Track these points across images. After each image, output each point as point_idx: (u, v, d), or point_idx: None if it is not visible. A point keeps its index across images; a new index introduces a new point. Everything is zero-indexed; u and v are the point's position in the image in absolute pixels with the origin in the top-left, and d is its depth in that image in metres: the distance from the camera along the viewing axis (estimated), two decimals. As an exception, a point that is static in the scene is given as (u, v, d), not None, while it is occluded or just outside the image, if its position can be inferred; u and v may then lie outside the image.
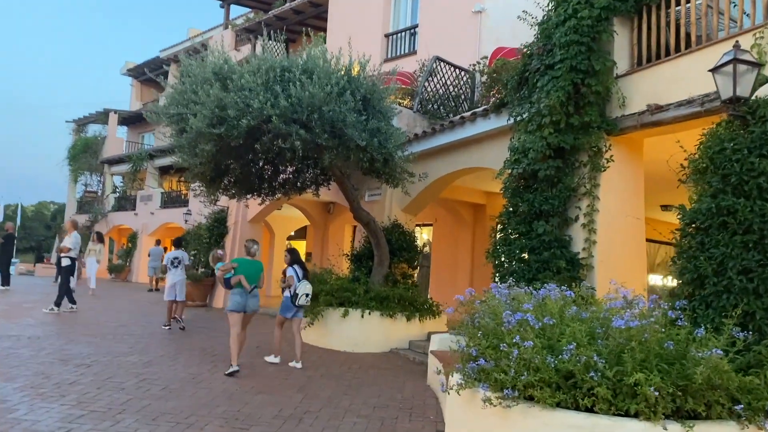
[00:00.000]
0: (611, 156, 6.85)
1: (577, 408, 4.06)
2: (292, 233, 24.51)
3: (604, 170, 6.83)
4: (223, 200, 15.59)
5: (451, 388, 4.76)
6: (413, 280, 10.94)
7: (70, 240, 12.49)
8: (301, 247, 26.73)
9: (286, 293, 8.65)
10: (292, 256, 9.04)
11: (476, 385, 4.52)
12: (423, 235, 16.05)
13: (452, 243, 13.71)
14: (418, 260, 11.13)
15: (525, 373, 4.08)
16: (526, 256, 6.89)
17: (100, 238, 18.25)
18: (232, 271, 8.17)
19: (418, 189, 10.88)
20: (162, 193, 30.19)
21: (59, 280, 12.84)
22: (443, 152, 10.11)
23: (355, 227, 17.07)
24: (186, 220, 25.42)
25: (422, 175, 9.37)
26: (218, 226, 15.72)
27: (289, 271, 8.74)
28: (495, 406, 4.25)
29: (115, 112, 34.29)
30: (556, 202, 6.84)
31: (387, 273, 10.58)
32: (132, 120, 35.49)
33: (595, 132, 6.84)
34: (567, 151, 6.92)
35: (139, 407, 6.11)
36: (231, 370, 7.71)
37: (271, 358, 8.68)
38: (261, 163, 10.77)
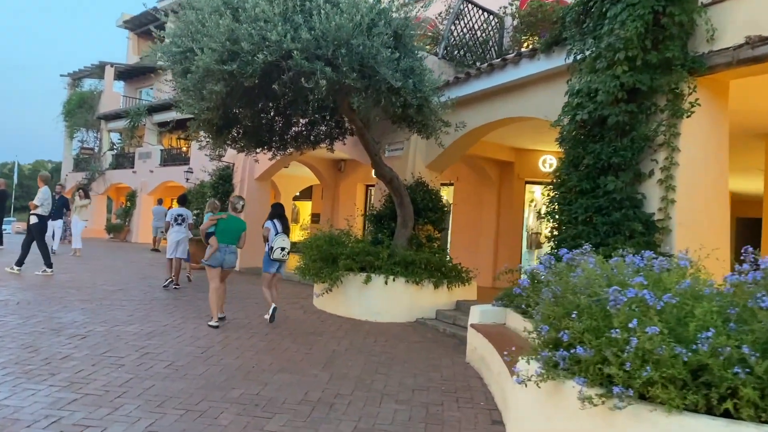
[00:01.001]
0: (696, 100, 5.79)
1: (709, 412, 3.12)
2: (297, 194, 23.51)
3: (688, 116, 5.77)
4: (229, 156, 14.56)
5: (528, 379, 3.82)
6: (439, 243, 9.96)
7: (39, 196, 11.39)
8: (306, 207, 25.81)
9: (266, 249, 8.63)
10: (273, 209, 8.98)
11: (564, 378, 3.58)
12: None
13: (476, 204, 12.70)
14: (445, 222, 10.13)
15: (647, 367, 3.11)
16: (592, 218, 5.88)
17: (86, 194, 16.82)
18: (215, 227, 8.21)
19: (445, 143, 9.82)
20: (161, 150, 29.09)
21: (24, 239, 11.71)
22: (478, 101, 8.99)
23: (368, 186, 16.08)
24: (187, 179, 24.41)
25: (459, 125, 8.27)
26: (223, 184, 14.67)
27: (267, 224, 8.67)
28: (596, 405, 3.31)
29: (112, 66, 32.88)
30: (628, 154, 5.80)
31: (411, 235, 9.61)
32: (129, 74, 34.14)
33: (677, 71, 5.76)
34: (642, 94, 5.86)
35: (140, 390, 5.20)
36: (212, 323, 7.82)
37: (266, 316, 8.52)
38: (272, 114, 9.69)
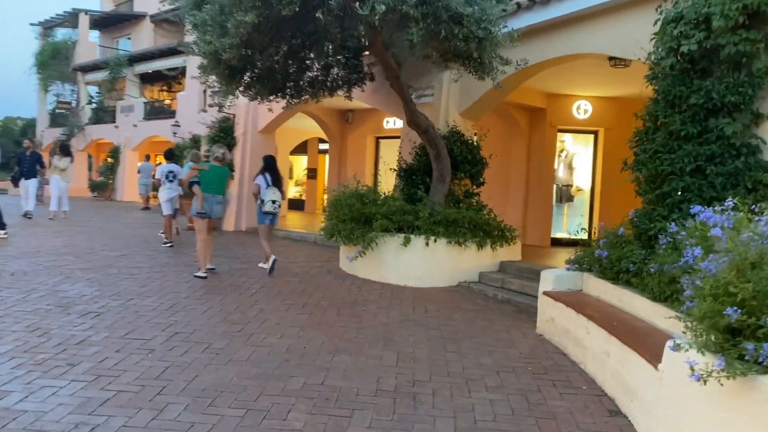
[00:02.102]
0: (832, 26, 4.86)
1: None
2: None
3: (823, 46, 4.86)
4: (231, 108, 13.37)
5: (709, 375, 2.99)
6: (478, 199, 9.06)
7: None
8: (299, 162, 24.68)
9: (257, 203, 8.73)
10: (265, 162, 8.98)
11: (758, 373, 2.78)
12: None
13: (504, 155, 11.75)
14: (483, 176, 9.20)
15: None
16: (702, 167, 4.99)
17: (66, 151, 14.75)
18: (198, 177, 8.12)
19: (482, 87, 8.82)
20: (145, 103, 27.55)
21: None
22: (535, 34, 7.81)
23: (378, 139, 15.05)
24: (174, 133, 23.09)
25: (520, 62, 7.20)
26: (224, 137, 13.52)
27: (257, 179, 8.73)
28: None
29: (86, 13, 30.88)
30: (749, 92, 4.89)
31: (448, 191, 8.69)
32: (105, 23, 32.14)
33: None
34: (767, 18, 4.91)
35: (182, 383, 4.32)
36: (200, 274, 7.89)
37: (262, 265, 8.69)
38: (287, 55, 8.53)
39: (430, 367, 4.94)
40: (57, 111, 32.79)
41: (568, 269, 6.12)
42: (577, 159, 12.09)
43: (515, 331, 6.15)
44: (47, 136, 31.86)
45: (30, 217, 13.49)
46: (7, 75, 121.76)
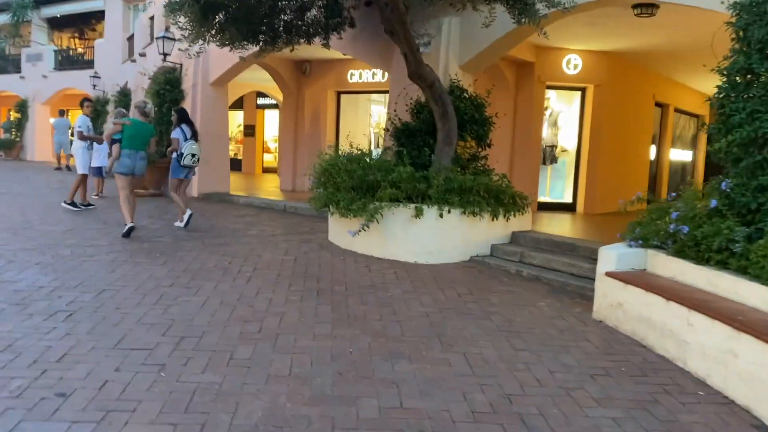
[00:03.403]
0: None
1: None
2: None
3: None
4: (175, 56, 11.76)
5: None
6: (485, 163, 8.19)
7: None
8: (234, 118, 22.94)
9: (174, 155, 8.64)
10: (179, 115, 8.93)
11: None
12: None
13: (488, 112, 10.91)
14: (489, 136, 8.30)
15: None
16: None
17: None
18: (121, 132, 7.96)
19: (490, 35, 7.88)
20: (55, 51, 24.74)
21: None
22: None
23: (339, 93, 13.83)
24: (94, 85, 20.82)
25: (568, 4, 6.13)
26: (171, 90, 11.87)
27: (174, 133, 8.71)
28: None
29: (-21, -54, 27.13)
30: None
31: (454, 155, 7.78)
32: (2, -42, 28.35)
33: None
34: None
35: (224, 416, 3.26)
36: (126, 227, 7.71)
37: (178, 223, 8.70)
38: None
39: (511, 373, 4.08)
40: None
41: (630, 245, 5.39)
42: (562, 117, 11.44)
43: (570, 317, 5.39)
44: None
45: None
46: None
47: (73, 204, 9.62)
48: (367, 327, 4.82)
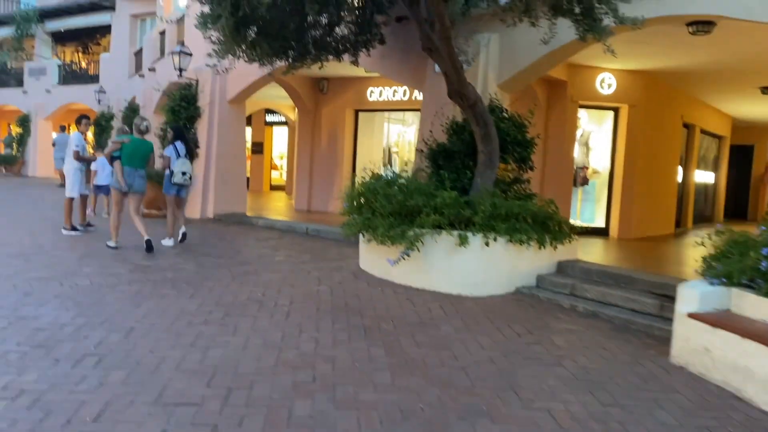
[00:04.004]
0: None
1: None
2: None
3: None
4: (191, 72, 11.35)
5: None
6: (528, 187, 7.75)
7: None
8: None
9: (167, 172, 8.65)
10: (175, 132, 9.06)
11: None
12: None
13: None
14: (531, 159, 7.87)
15: None
16: None
17: None
18: (120, 150, 8.07)
19: (533, 53, 7.49)
20: (59, 65, 24.33)
21: None
22: None
23: (358, 112, 13.42)
24: (99, 100, 20.39)
25: (637, 21, 5.65)
26: (186, 107, 11.42)
27: (167, 151, 8.73)
28: None
29: (-17, -41, 26.90)
30: None
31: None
32: (5, -29, 28.04)
33: None
34: None
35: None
36: (111, 245, 7.93)
37: (166, 241, 8.65)
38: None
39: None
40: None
41: (712, 283, 4.92)
42: (593, 138, 11.04)
43: (647, 362, 4.90)
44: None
45: None
46: None
47: (73, 228, 9.12)
48: (430, 375, 4.33)
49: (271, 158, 21.98)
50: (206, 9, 6.23)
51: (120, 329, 4.86)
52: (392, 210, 6.69)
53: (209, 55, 6.95)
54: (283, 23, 6.95)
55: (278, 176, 22.27)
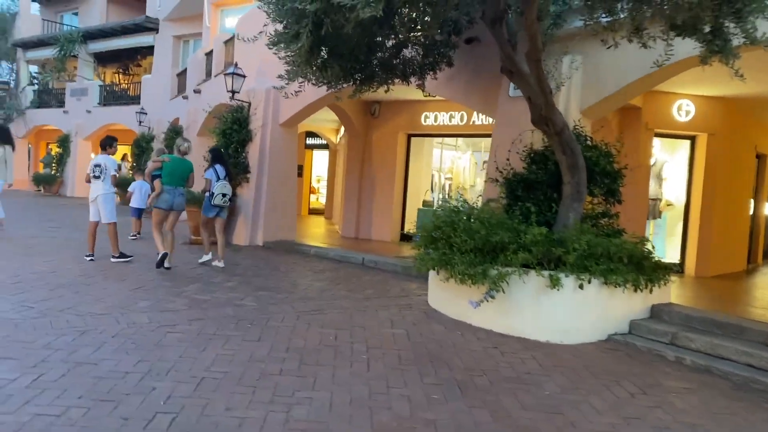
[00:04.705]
0: None
1: None
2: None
3: None
4: (242, 95, 10.99)
5: None
6: (617, 222, 7.12)
7: None
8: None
9: (207, 195, 8.81)
10: (213, 155, 9.13)
11: None
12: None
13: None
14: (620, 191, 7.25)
15: None
16: None
17: (5, 137, 10.98)
18: (161, 169, 8.34)
19: (621, 77, 6.92)
20: (101, 86, 24.39)
21: None
22: None
23: (410, 136, 12.94)
24: (140, 121, 20.27)
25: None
26: (238, 130, 11.03)
27: (207, 174, 8.83)
28: None
29: (30, -18, 27.31)
30: None
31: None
32: (49, -7, 28.44)
33: None
34: None
35: None
36: (159, 256, 8.08)
37: (203, 258, 8.88)
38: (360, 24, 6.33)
39: None
40: (-8, 91, 29.02)
41: None
42: (666, 168, 10.36)
43: (789, 434, 4.22)
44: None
45: None
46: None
47: (122, 255, 8.68)
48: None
49: (310, 181, 21.62)
50: (279, 26, 5.76)
51: (188, 379, 4.33)
52: (474, 246, 6.10)
53: (279, 77, 6.49)
54: (358, 43, 6.48)
55: (315, 199, 21.90)
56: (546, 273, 5.94)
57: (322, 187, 21.68)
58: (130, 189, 11.20)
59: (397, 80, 8.02)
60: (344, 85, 7.40)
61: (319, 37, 5.33)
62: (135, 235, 11.06)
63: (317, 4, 4.71)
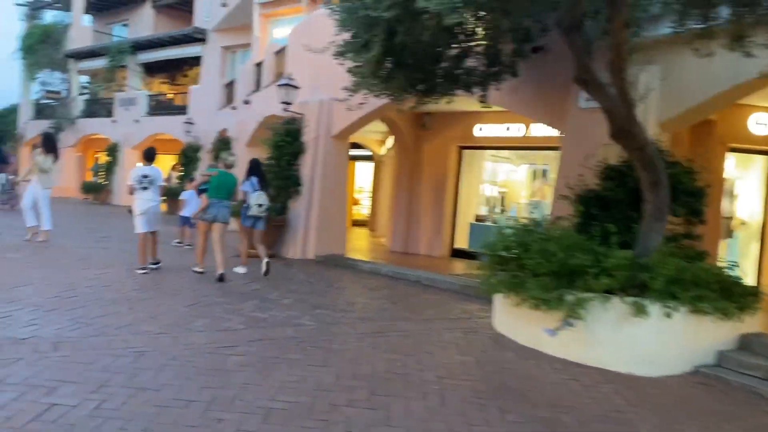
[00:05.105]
0: None
1: None
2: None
3: None
4: (295, 106, 10.80)
5: None
6: (698, 243, 6.64)
7: None
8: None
9: (244, 205, 9.06)
10: (250, 166, 9.38)
11: None
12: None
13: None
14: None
15: None
16: None
17: (51, 145, 10.48)
18: (208, 183, 8.72)
19: (709, 88, 6.46)
20: (149, 96, 24.68)
21: None
22: None
23: (461, 149, 12.57)
24: (188, 131, 20.37)
25: None
26: (291, 142, 10.83)
27: (244, 186, 9.07)
28: None
29: (82, -6, 27.89)
30: None
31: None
32: (98, 6, 29.05)
33: None
34: None
35: None
36: (198, 269, 8.57)
37: (239, 269, 9.04)
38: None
39: None
40: (44, 101, 29.69)
41: None
42: (739, 185, 9.78)
43: None
44: (31, 128, 28.72)
45: None
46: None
47: (157, 262, 8.87)
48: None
49: (353, 193, 21.40)
50: (345, 36, 5.50)
51: (255, 410, 4.05)
52: (550, 269, 5.71)
53: (345, 88, 6.23)
54: (424, 53, 6.18)
55: (357, 211, 21.69)
56: (629, 300, 5.50)
57: (363, 198, 21.47)
58: (182, 197, 11.36)
59: (459, 91, 7.70)
60: (406, 97, 7.10)
61: (390, 47, 5.05)
62: (181, 243, 11.19)
63: (393, 11, 4.42)
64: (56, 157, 10.40)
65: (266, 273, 8.63)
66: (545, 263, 5.72)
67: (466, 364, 5.46)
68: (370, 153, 19.66)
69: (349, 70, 6.04)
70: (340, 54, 5.61)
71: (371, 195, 20.23)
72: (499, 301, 6.63)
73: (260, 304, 7.13)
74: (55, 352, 4.86)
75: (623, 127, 6.03)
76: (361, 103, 6.85)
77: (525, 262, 5.90)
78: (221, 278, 8.12)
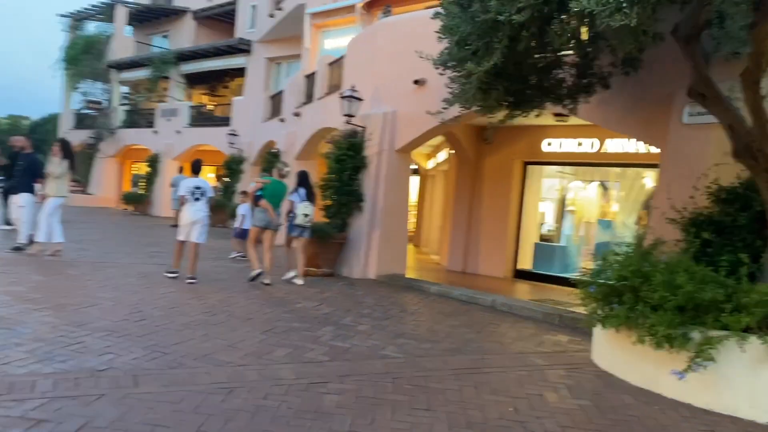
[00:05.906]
0: None
1: None
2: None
3: None
4: (357, 119, 10.36)
5: None
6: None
7: None
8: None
9: (291, 215, 9.16)
10: (298, 178, 9.41)
11: None
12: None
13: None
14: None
15: None
16: None
17: (66, 150, 9.87)
18: (263, 190, 8.99)
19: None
20: (191, 107, 24.57)
21: None
22: None
23: (526, 164, 12.00)
24: (232, 143, 20.11)
25: None
26: (353, 156, 10.38)
27: (291, 196, 9.19)
28: None
29: (125, 5, 28.02)
30: None
31: None
32: (140, 17, 29.15)
33: None
34: None
35: None
36: (254, 273, 8.75)
37: (288, 275, 9.32)
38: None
39: None
40: (85, 111, 29.85)
41: None
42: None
43: None
44: (71, 138, 28.83)
45: (24, 248, 9.81)
46: (25, 69, 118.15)
47: (193, 278, 8.65)
48: None
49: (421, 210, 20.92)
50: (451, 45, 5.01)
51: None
52: (676, 303, 5.10)
53: (444, 100, 5.74)
54: (526, 62, 5.67)
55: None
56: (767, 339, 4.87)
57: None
58: (240, 212, 11.27)
59: (548, 103, 7.18)
60: (498, 110, 6.59)
61: (511, 55, 4.54)
62: (244, 257, 11.04)
63: (525, 14, 3.90)
64: (72, 163, 9.93)
65: (253, 279, 8.74)
66: (672, 298, 5.11)
67: (585, 409, 4.87)
68: (415, 167, 19.19)
69: (455, 80, 5.54)
70: (441, 63, 5.12)
71: (416, 209, 19.73)
72: (604, 335, 6.03)
73: (337, 331, 6.62)
74: (137, 387, 4.40)
75: (755, 145, 5.43)
76: (458, 117, 6.34)
77: (644, 294, 5.30)
78: (255, 277, 8.64)
